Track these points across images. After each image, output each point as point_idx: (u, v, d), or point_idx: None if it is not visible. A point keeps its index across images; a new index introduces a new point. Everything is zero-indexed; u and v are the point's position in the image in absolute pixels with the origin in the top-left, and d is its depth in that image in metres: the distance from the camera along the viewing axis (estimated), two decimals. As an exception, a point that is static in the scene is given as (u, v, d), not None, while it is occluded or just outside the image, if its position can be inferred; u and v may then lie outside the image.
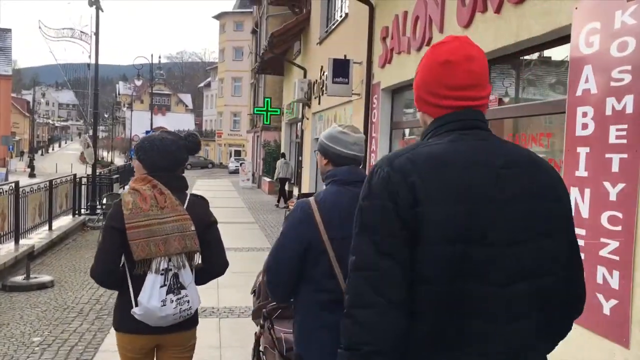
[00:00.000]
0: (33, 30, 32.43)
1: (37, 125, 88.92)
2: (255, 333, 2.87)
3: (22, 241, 9.28)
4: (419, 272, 1.33)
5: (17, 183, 8.90)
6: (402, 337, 1.33)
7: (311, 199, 2.28)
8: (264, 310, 2.74)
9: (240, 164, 32.64)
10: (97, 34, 13.68)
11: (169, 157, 2.71)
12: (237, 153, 56.06)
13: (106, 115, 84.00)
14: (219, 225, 2.85)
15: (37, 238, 9.89)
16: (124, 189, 20.41)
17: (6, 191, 8.45)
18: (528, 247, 1.39)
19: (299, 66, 16.66)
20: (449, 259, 1.32)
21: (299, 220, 2.23)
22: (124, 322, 2.63)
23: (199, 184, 30.82)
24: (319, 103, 14.16)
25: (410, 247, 1.33)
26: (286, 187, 18.54)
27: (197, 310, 2.77)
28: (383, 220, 1.35)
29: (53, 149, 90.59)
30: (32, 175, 38.25)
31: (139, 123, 51.22)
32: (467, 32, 5.56)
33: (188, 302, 2.63)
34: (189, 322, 2.73)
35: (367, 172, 1.70)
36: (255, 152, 35.67)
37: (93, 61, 13.83)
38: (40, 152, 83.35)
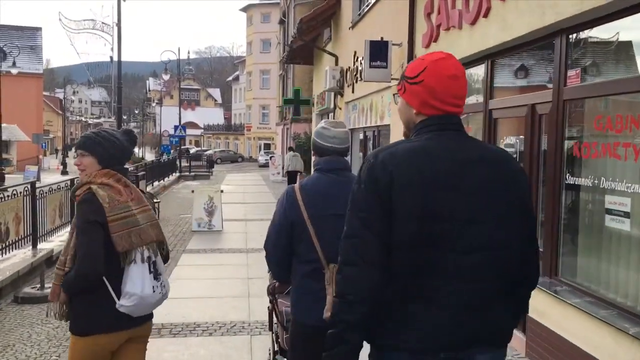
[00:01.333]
0: (85, 44, 32.14)
1: (70, 123, 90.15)
2: (268, 307, 3.40)
3: (41, 245, 8.69)
4: (393, 241, 1.72)
5: (33, 183, 8.30)
6: (378, 291, 1.72)
7: (296, 184, 2.74)
8: (269, 286, 3.27)
9: (270, 158, 32.00)
10: (119, 24, 13.05)
11: (125, 151, 2.79)
12: (267, 146, 55.54)
13: (136, 112, 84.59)
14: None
15: (58, 241, 9.31)
16: (152, 185, 19.96)
17: (20, 193, 7.83)
18: (486, 226, 1.75)
19: (330, 53, 15.80)
20: (414, 231, 1.70)
21: (285, 202, 2.68)
22: (99, 322, 2.60)
23: (229, 179, 30.28)
24: (353, 91, 13.29)
25: (387, 222, 1.72)
26: (298, 179, 17.79)
27: None
28: (367, 200, 1.74)
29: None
30: (64, 172, 38.31)
31: (168, 118, 51.11)
32: (539, -5, 4.64)
33: (165, 286, 2.76)
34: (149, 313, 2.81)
35: None
36: (285, 145, 35.01)
37: (115, 53, 13.18)
38: (74, 149, 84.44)
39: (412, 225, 1.70)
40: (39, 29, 50.20)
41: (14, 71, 29.36)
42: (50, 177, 27.39)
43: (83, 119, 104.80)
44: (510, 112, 5.79)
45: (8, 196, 7.39)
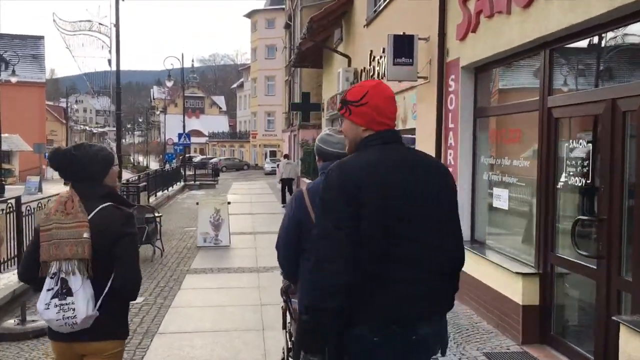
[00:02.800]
0: (82, 47, 31.22)
1: (75, 132, 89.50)
2: (282, 307, 3.56)
3: (28, 267, 7.77)
4: (361, 238, 2.05)
5: (18, 199, 7.37)
6: (351, 279, 2.03)
7: (304, 187, 2.94)
8: (282, 287, 3.45)
9: (277, 165, 31.09)
10: (117, 25, 12.17)
11: (78, 167, 2.77)
12: (273, 154, 54.67)
13: (140, 120, 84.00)
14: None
15: (48, 261, 8.39)
16: (155, 196, 19.04)
17: (2, 210, 6.90)
18: (432, 221, 2.15)
19: (342, 54, 14.87)
20: (379, 229, 2.06)
21: (293, 204, 2.86)
22: (49, 329, 2.76)
23: (235, 187, 29.40)
24: (369, 94, 12.33)
25: (356, 222, 2.04)
26: (293, 187, 19.36)
27: (112, 322, 2.73)
28: (338, 205, 2.07)
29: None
30: (66, 183, 37.48)
31: (173, 126, 50.35)
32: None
33: (73, 309, 2.61)
34: (99, 333, 2.70)
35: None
36: (292, 152, 34.15)
37: (114, 55, 12.30)
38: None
39: (377, 224, 2.06)
40: (41, 38, 49.60)
41: (14, 79, 28.60)
42: (53, 188, 26.53)
43: (87, 128, 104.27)
44: (579, 110, 4.83)
45: (-14, 215, 6.46)
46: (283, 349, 3.70)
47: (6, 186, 31.83)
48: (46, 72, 62.94)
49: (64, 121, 65.69)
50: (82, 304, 2.60)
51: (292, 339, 3.34)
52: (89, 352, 2.73)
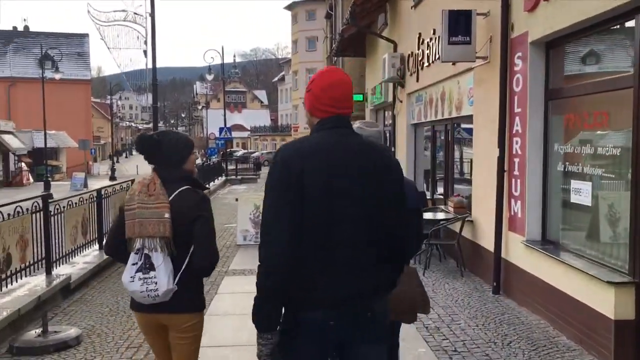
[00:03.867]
0: (117, 38, 31.24)
1: (121, 129, 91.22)
2: None
3: (59, 269, 7.32)
4: (304, 219, 2.11)
5: (45, 197, 6.91)
6: (291, 259, 2.10)
7: None
8: None
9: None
10: (152, 14, 11.68)
11: (161, 155, 3.00)
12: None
13: (183, 115, 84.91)
14: None
15: (81, 263, 7.94)
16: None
17: (28, 210, 6.43)
18: (371, 205, 2.19)
19: (387, 39, 14.00)
20: (321, 210, 2.13)
21: None
22: (132, 301, 3.00)
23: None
24: (417, 80, 11.48)
25: (299, 203, 2.10)
26: None
27: (189, 296, 2.93)
28: (282, 184, 2.13)
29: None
30: (112, 178, 37.97)
31: (215, 121, 50.33)
32: None
33: (155, 283, 2.81)
34: (178, 306, 2.89)
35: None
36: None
37: (147, 47, 11.83)
38: (125, 154, 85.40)
39: (319, 205, 2.13)
40: (86, 35, 50.39)
41: (58, 76, 28.83)
42: (98, 184, 26.65)
43: (133, 124, 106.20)
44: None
45: (9, 215, 5.98)
46: None
47: (53, 183, 32.32)
48: (93, 70, 64.17)
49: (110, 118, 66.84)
50: (164, 278, 2.82)
51: None
52: (171, 324, 2.95)
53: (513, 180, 6.56)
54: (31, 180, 35.56)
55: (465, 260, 7.97)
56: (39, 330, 5.25)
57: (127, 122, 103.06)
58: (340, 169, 2.16)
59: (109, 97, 51.86)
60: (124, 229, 2.89)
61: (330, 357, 2.24)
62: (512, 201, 6.57)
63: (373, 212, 2.20)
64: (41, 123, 29.33)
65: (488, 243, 7.23)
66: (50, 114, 31.00)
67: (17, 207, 6.18)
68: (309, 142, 2.22)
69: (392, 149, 13.91)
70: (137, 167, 47.70)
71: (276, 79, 76.74)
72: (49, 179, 28.37)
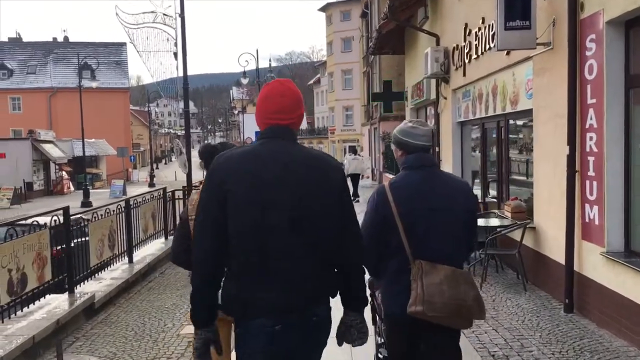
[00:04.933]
0: (146, 40, 31.21)
1: (160, 136, 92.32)
2: (370, 302, 3.30)
3: (83, 286, 6.81)
4: (231, 230, 2.18)
5: (66, 210, 6.39)
6: (215, 265, 2.22)
7: (386, 182, 2.92)
8: (369, 280, 3.29)
9: (344, 161, 29.57)
10: (182, 14, 11.20)
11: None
12: (352, 149, 53.27)
13: (220, 121, 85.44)
14: None
15: (108, 279, 7.43)
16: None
17: (46, 225, 5.90)
18: (306, 215, 2.21)
19: (429, 33, 13.18)
20: (247, 220, 2.18)
21: (376, 199, 2.86)
22: None
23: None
24: (464, 74, 10.64)
25: (222, 212, 2.18)
26: (359, 182, 19.79)
27: None
28: (208, 195, 2.24)
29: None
30: (151, 184, 38.16)
31: (251, 125, 50.10)
32: None
33: None
34: None
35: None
36: (372, 147, 32.73)
37: (177, 49, 11.34)
38: (164, 161, 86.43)
39: (247, 215, 2.17)
40: (123, 44, 50.90)
41: (94, 84, 28.95)
42: (138, 190, 26.57)
43: (172, 131, 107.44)
44: None
45: (23, 231, 5.47)
46: (376, 342, 3.51)
47: (93, 190, 32.53)
48: (132, 78, 64.89)
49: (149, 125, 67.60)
50: None
51: (381, 335, 3.40)
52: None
53: (587, 182, 5.69)
54: (72, 188, 35.97)
55: (527, 272, 7.11)
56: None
57: (166, 129, 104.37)
58: (268, 181, 2.20)
59: (150, 105, 52.40)
60: (188, 238, 3.13)
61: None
62: (587, 206, 5.70)
63: (306, 222, 2.22)
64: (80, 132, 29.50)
65: (556, 253, 6.37)
66: (90, 122, 31.19)
67: (33, 222, 5.66)
68: (238, 153, 2.29)
69: (437, 150, 13.08)
70: (175, 173, 47.90)
71: (312, 81, 76.30)
72: (88, 187, 28.43)
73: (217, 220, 2.18)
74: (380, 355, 3.40)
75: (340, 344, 2.47)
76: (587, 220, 5.71)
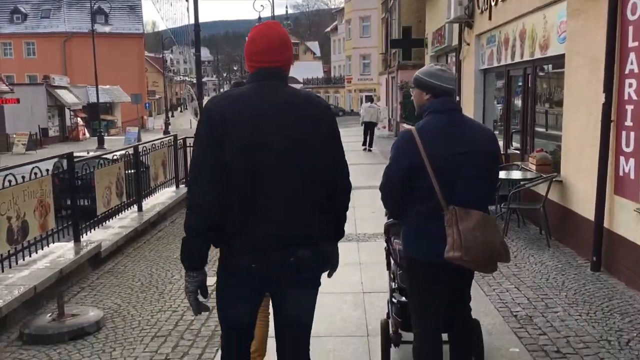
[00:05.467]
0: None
1: (175, 83, 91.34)
2: (385, 248, 3.66)
3: (90, 235, 6.63)
4: (228, 167, 2.18)
5: (70, 155, 6.13)
6: (216, 203, 2.20)
7: (412, 127, 2.85)
8: (385, 224, 3.56)
9: (360, 109, 28.85)
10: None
11: None
12: (369, 99, 52.35)
13: (235, 68, 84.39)
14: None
15: (117, 227, 7.24)
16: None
17: (47, 170, 5.64)
18: (300, 152, 2.24)
19: (453, -26, 12.41)
20: (241, 159, 2.18)
21: (402, 143, 2.83)
22: None
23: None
24: (490, 17, 10.01)
25: (220, 149, 2.18)
26: (375, 132, 19.52)
27: None
28: (205, 133, 2.22)
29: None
30: (166, 132, 37.94)
31: (267, 73, 49.37)
32: None
33: None
34: None
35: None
36: (390, 96, 32.02)
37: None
38: (179, 109, 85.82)
39: (242, 155, 2.18)
40: (137, -11, 49.75)
41: (107, 29, 28.35)
42: (153, 138, 26.40)
43: (187, 79, 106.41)
44: None
45: (23, 177, 5.22)
46: (389, 286, 3.64)
47: (108, 137, 32.46)
48: (147, 24, 63.76)
49: (166, 72, 66.76)
50: None
51: (396, 279, 3.45)
52: None
53: (624, 132, 5.26)
54: (87, 135, 35.91)
55: (551, 227, 6.77)
56: (55, 313, 4.50)
57: (182, 77, 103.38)
58: (261, 122, 2.21)
59: (165, 51, 51.68)
60: None
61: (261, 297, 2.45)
62: (622, 159, 5.29)
63: (301, 163, 2.25)
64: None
65: (584, 209, 6.00)
66: (104, 68, 30.84)
67: (34, 167, 5.41)
68: (233, 94, 2.30)
69: (458, 99, 12.54)
70: (190, 121, 47.60)
71: (329, 29, 74.57)
72: (103, 133, 28.30)
73: (216, 158, 2.18)
74: (394, 300, 3.42)
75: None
76: (621, 174, 5.31)
